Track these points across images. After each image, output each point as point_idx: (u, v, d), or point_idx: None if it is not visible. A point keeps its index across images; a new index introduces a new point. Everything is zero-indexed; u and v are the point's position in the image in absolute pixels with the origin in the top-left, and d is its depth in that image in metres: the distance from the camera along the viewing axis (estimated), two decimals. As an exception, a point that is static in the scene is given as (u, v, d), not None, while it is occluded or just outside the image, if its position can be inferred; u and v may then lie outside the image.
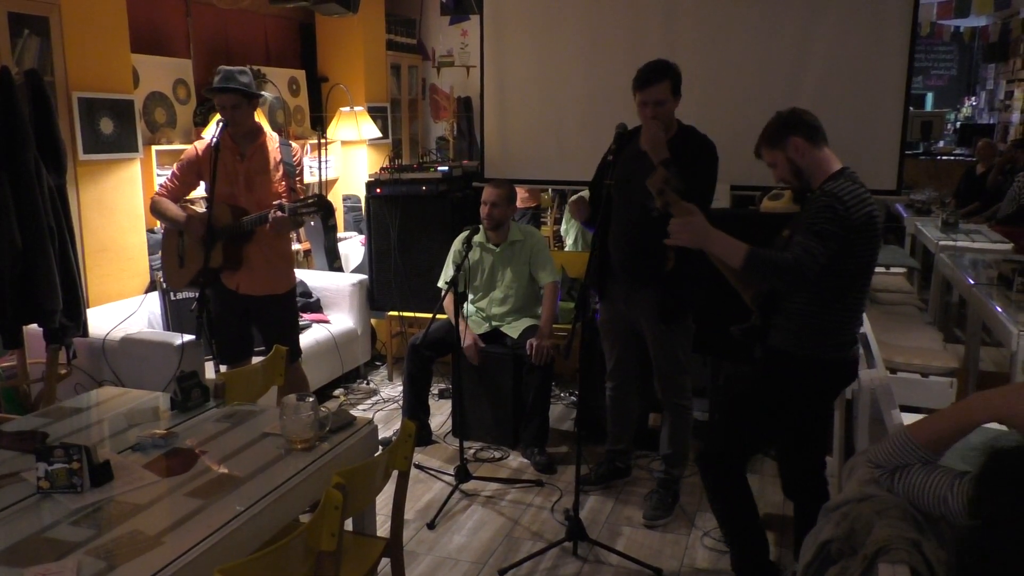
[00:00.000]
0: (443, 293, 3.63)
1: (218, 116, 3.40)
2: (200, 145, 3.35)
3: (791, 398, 2.39)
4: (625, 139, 2.97)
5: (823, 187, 2.26)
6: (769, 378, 2.43)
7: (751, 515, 2.48)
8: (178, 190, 3.35)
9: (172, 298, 3.96)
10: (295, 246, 5.38)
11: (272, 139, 3.35)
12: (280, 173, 3.30)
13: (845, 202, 2.17)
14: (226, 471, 1.99)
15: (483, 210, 3.73)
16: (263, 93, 5.27)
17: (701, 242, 2.29)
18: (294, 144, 3.43)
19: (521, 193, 6.14)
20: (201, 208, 3.44)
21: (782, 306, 2.36)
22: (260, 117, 4.78)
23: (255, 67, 5.34)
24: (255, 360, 3.37)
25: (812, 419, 2.51)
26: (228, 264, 3.26)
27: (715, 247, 2.29)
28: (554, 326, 3.79)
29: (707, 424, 3.85)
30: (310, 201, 3.11)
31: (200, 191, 3.52)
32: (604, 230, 3.07)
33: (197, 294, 3.18)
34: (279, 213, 3.08)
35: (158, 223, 4.47)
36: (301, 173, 3.40)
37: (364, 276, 4.75)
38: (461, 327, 3.71)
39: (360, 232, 5.66)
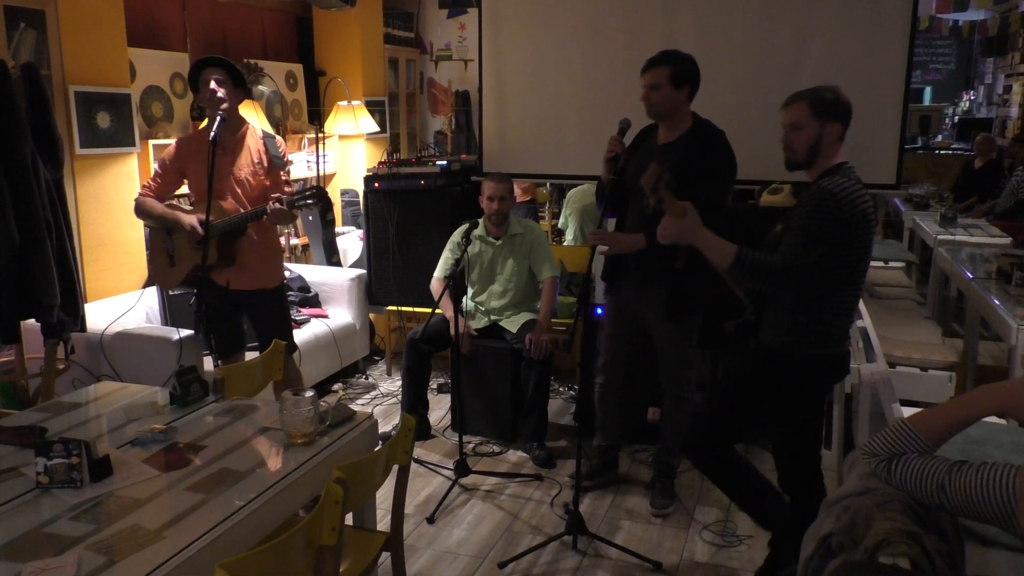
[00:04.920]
0: (442, 287, 3.62)
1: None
2: (182, 141, 3.30)
3: (782, 395, 2.40)
4: (642, 135, 2.96)
5: (819, 183, 2.26)
6: (760, 374, 2.44)
7: (750, 476, 2.54)
8: (161, 189, 3.28)
9: (170, 293, 3.95)
10: (293, 240, 5.38)
11: (254, 132, 3.29)
12: (267, 167, 3.26)
13: (839, 199, 2.17)
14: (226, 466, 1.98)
15: (489, 206, 3.71)
16: (261, 88, 5.26)
17: (691, 240, 2.28)
18: (278, 137, 3.37)
19: (518, 187, 6.13)
20: (186, 205, 3.39)
21: (774, 301, 2.36)
22: (258, 112, 4.79)
23: (252, 61, 5.33)
24: (250, 355, 3.35)
25: (804, 414, 2.51)
26: (223, 261, 3.22)
27: (705, 246, 2.28)
28: (553, 320, 3.79)
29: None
30: (309, 193, 3.08)
31: (185, 188, 3.46)
32: (619, 225, 3.08)
33: (194, 290, 3.16)
34: (277, 205, 3.06)
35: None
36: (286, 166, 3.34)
37: (362, 271, 4.74)
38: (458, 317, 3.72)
39: (358, 227, 5.65)
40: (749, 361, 2.50)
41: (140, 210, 3.29)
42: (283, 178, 3.29)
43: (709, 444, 2.50)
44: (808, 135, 2.26)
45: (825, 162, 2.29)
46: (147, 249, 3.42)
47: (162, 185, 3.29)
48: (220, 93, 3.09)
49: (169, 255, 3.31)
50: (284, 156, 3.32)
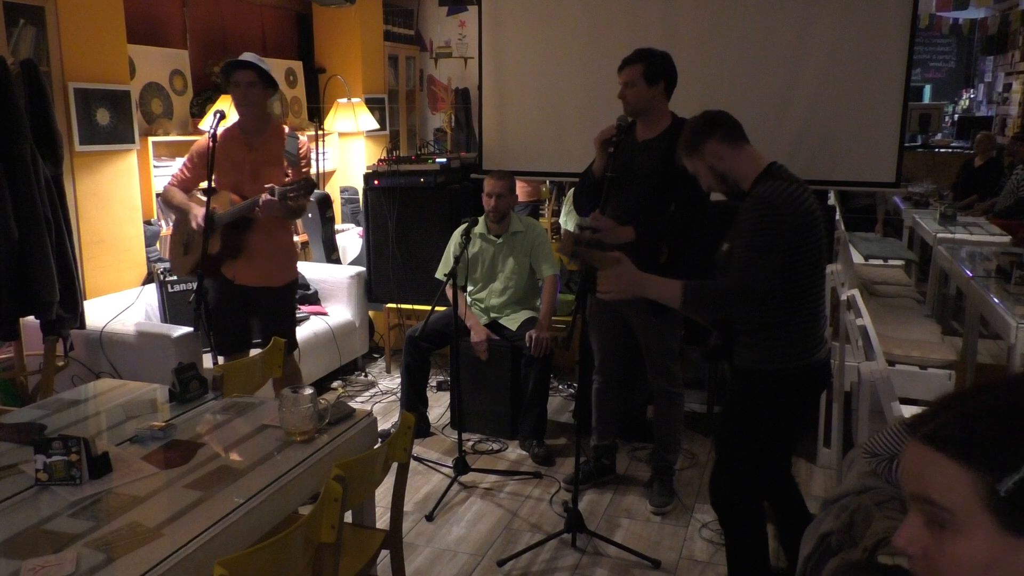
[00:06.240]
0: (443, 285, 3.61)
1: (214, 107, 3.38)
2: (212, 135, 3.34)
3: (772, 414, 2.28)
4: (624, 131, 2.96)
5: (752, 192, 2.15)
6: (745, 400, 2.31)
7: (762, 551, 2.36)
8: (188, 180, 3.36)
9: (169, 290, 3.95)
10: (293, 237, 5.36)
11: (280, 130, 3.34)
12: (284, 164, 3.29)
13: (777, 206, 2.04)
14: (235, 456, 1.98)
15: (488, 202, 3.71)
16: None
17: (635, 290, 2.17)
18: (302, 137, 3.41)
19: (524, 187, 6.13)
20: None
21: (744, 322, 2.24)
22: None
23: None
24: (254, 352, 3.35)
25: (784, 427, 2.38)
26: (226, 252, 3.24)
27: (650, 291, 2.18)
28: (553, 318, 3.79)
29: (704, 416, 3.86)
30: (297, 184, 3.09)
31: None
32: None
33: (195, 285, 3.16)
34: (267, 196, 3.07)
35: (155, 215, 4.46)
36: (308, 166, 3.38)
37: (362, 268, 4.74)
38: (470, 320, 3.72)
39: (358, 224, 5.64)
40: (729, 392, 2.36)
41: (163, 199, 3.40)
42: (300, 176, 3.27)
43: (736, 502, 2.35)
44: (704, 173, 2.22)
45: (746, 173, 2.18)
46: (170, 235, 3.50)
47: (189, 177, 3.36)
48: (247, 94, 3.19)
49: (184, 244, 3.36)
50: (304, 156, 3.35)
